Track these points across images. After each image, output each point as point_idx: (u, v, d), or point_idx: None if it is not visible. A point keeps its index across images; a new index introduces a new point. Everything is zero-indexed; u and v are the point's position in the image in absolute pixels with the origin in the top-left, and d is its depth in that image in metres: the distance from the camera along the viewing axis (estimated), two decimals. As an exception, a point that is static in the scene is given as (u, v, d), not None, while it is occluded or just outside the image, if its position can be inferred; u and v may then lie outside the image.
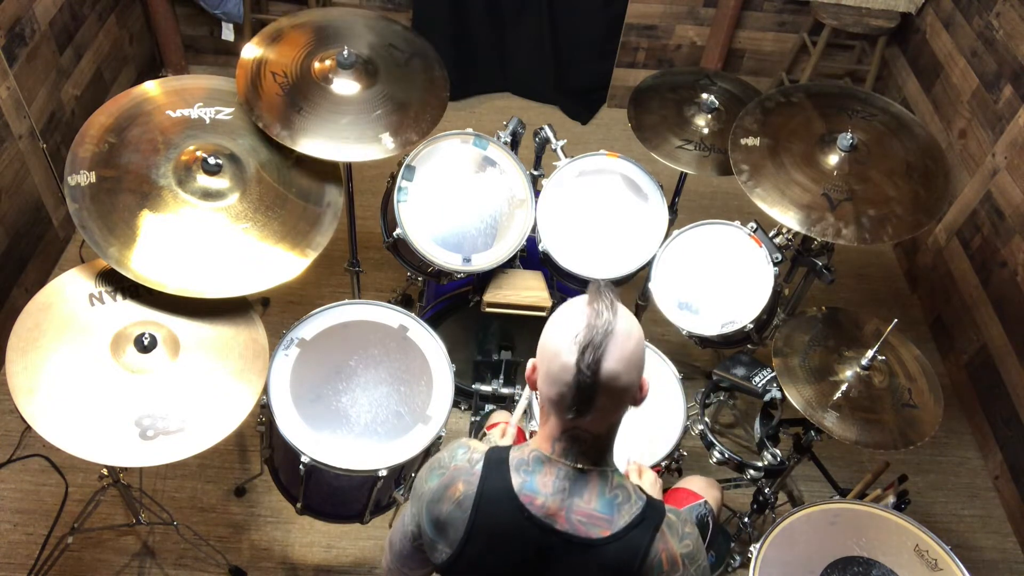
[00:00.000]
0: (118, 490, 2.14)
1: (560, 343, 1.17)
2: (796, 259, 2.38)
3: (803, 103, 2.26)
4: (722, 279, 2.18)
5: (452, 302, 2.43)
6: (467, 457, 1.30)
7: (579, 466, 1.24)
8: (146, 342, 1.73)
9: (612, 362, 1.15)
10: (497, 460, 1.27)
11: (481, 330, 2.54)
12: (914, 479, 2.70)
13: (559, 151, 2.41)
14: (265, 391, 1.82)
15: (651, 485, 1.59)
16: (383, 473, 1.81)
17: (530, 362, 1.26)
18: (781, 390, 2.03)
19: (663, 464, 2.00)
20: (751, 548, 1.72)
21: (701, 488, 1.99)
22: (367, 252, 3.02)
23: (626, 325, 1.17)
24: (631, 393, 1.21)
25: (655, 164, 2.37)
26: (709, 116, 2.40)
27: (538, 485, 1.24)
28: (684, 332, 2.18)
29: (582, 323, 1.16)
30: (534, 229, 2.22)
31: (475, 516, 1.24)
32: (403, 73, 2.14)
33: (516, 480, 1.24)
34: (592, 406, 1.17)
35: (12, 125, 2.70)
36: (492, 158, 2.23)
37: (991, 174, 2.95)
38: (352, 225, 2.45)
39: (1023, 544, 2.69)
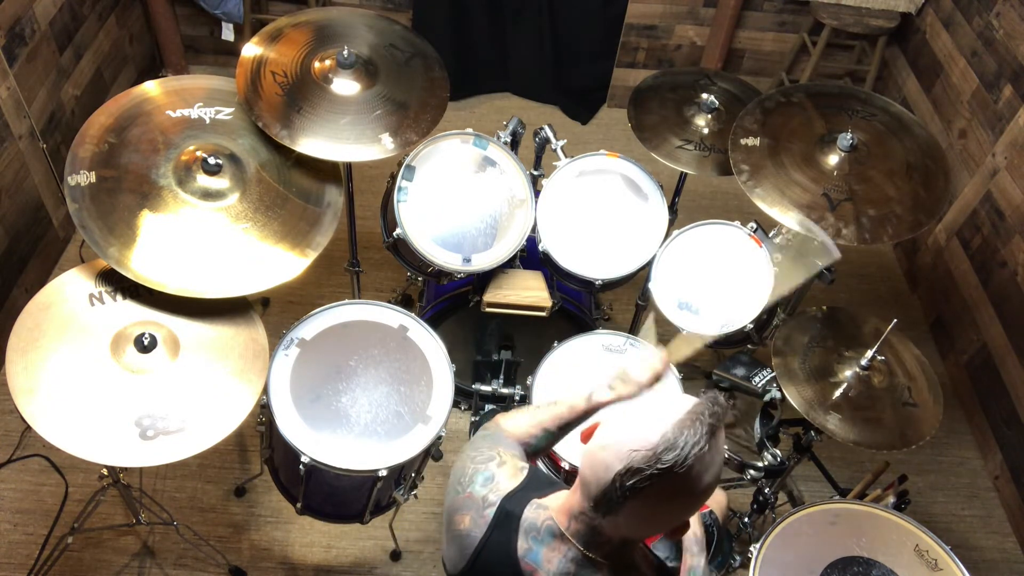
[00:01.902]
0: (118, 490, 2.14)
1: (619, 441, 1.04)
2: (796, 259, 2.38)
3: (803, 103, 2.26)
4: (722, 279, 2.18)
5: (452, 302, 2.43)
6: (483, 494, 1.23)
7: (590, 555, 1.15)
8: (146, 342, 1.73)
9: (650, 497, 1.02)
10: (508, 515, 1.20)
11: (481, 330, 2.54)
12: (914, 479, 2.70)
13: (559, 151, 2.41)
14: (265, 391, 1.82)
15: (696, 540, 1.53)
16: (383, 473, 1.81)
17: (596, 422, 1.15)
18: (781, 390, 2.03)
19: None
20: (751, 548, 1.72)
21: None
22: (367, 252, 3.02)
23: (696, 472, 1.01)
24: (662, 528, 1.13)
25: (655, 164, 2.37)
26: (709, 116, 2.40)
27: (542, 558, 1.17)
28: (684, 332, 2.18)
29: (652, 439, 1.01)
30: (534, 229, 2.22)
31: (473, 563, 1.21)
32: (403, 73, 2.14)
33: (522, 545, 1.18)
34: (611, 514, 1.08)
35: (12, 125, 2.70)
36: (492, 158, 2.23)
37: (991, 174, 2.95)
38: (352, 225, 2.45)
39: (1023, 544, 2.69)
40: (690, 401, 1.06)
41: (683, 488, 1.03)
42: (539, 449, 1.39)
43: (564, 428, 1.41)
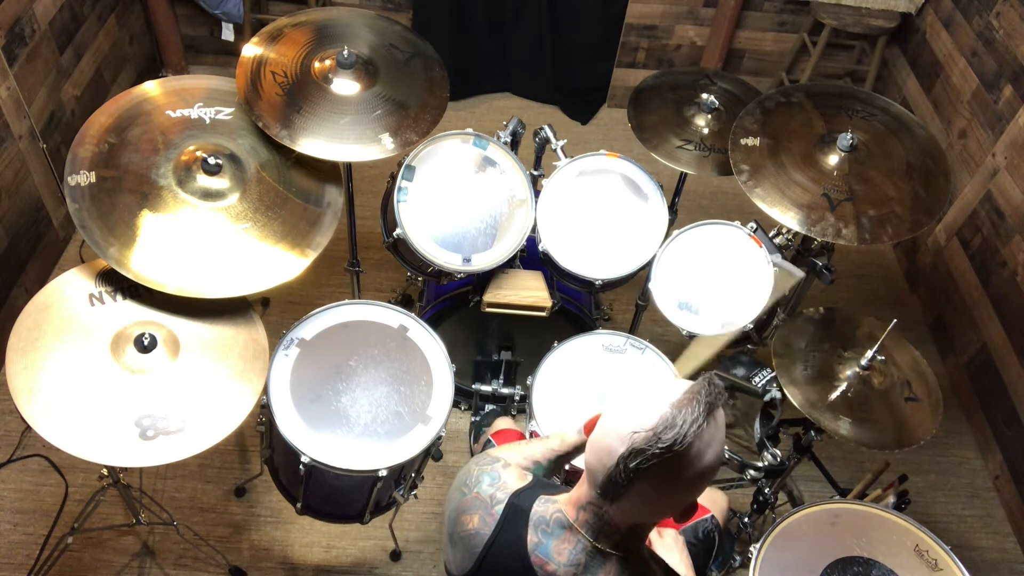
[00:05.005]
0: (118, 490, 2.14)
1: (620, 426, 1.06)
2: (796, 259, 2.38)
3: (803, 103, 2.26)
4: (722, 279, 2.18)
5: (452, 302, 2.43)
6: (491, 492, 1.24)
7: (599, 546, 1.16)
8: (146, 342, 1.73)
9: (654, 478, 1.04)
10: (518, 510, 1.21)
11: (481, 330, 2.54)
12: (914, 479, 2.70)
13: (559, 151, 2.41)
14: (265, 391, 1.82)
15: (673, 542, 1.55)
16: (383, 473, 1.81)
17: (597, 413, 1.17)
18: (781, 390, 2.03)
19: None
20: (751, 548, 1.72)
21: (706, 500, 1.96)
22: (367, 252, 3.02)
23: (697, 450, 1.03)
24: (670, 510, 1.13)
25: (655, 164, 2.37)
26: (709, 116, 2.40)
27: (553, 551, 1.18)
28: (684, 332, 2.18)
29: (652, 420, 1.03)
30: (534, 229, 2.22)
31: (483, 561, 1.21)
32: (403, 73, 2.14)
33: (532, 538, 1.19)
34: (618, 499, 1.09)
35: (12, 125, 2.70)
36: (492, 158, 2.23)
37: (991, 174, 2.95)
38: (352, 225, 2.45)
39: (1023, 544, 2.69)
40: (687, 383, 1.08)
41: (686, 466, 1.04)
42: None
43: (558, 461, 1.42)
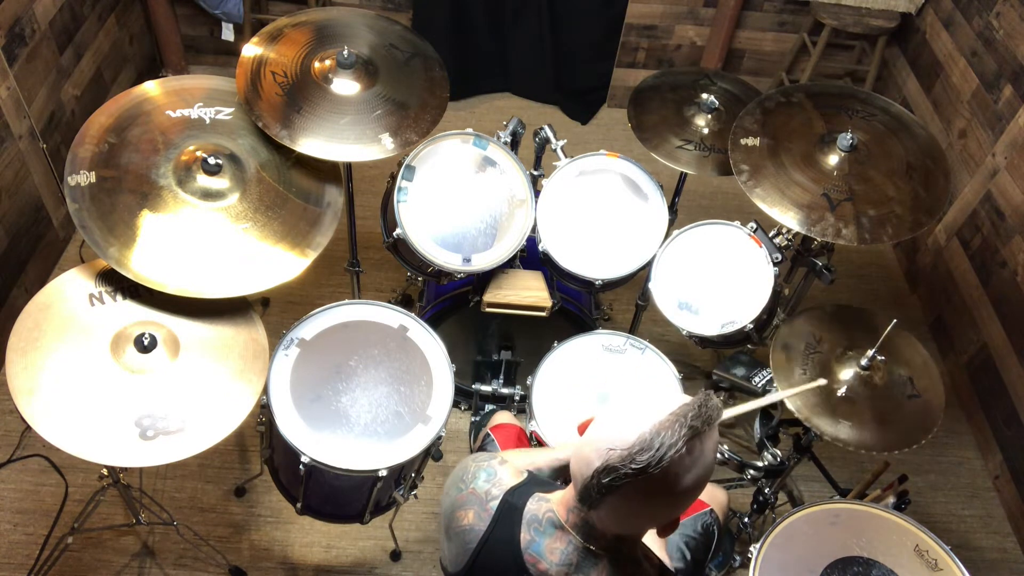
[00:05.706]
0: (118, 490, 2.14)
1: (600, 439, 1.06)
2: (796, 259, 2.38)
3: (803, 103, 2.26)
4: (722, 279, 2.18)
5: (452, 302, 2.43)
6: (486, 488, 1.25)
7: (590, 546, 1.16)
8: (146, 342, 1.73)
9: (627, 495, 1.04)
10: (511, 508, 1.22)
11: (481, 330, 2.54)
12: (914, 479, 2.70)
13: (559, 151, 2.41)
14: (265, 391, 1.82)
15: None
16: (383, 473, 1.81)
17: (590, 417, 1.16)
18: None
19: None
20: (751, 548, 1.72)
21: (706, 495, 1.96)
22: (367, 252, 3.02)
23: (674, 474, 1.01)
24: (649, 524, 1.13)
25: (655, 164, 2.37)
26: (709, 116, 2.40)
27: (545, 550, 1.18)
28: (684, 332, 2.18)
29: (630, 439, 1.02)
30: (534, 229, 2.22)
31: (476, 557, 1.22)
32: (403, 73, 2.14)
33: (524, 536, 1.19)
34: (594, 508, 1.09)
35: (12, 125, 2.70)
36: (492, 158, 2.23)
37: (991, 174, 2.95)
38: (352, 225, 2.45)
39: (1023, 544, 2.69)
40: (679, 402, 1.06)
41: (660, 488, 1.03)
42: None
43: (559, 471, 1.43)
